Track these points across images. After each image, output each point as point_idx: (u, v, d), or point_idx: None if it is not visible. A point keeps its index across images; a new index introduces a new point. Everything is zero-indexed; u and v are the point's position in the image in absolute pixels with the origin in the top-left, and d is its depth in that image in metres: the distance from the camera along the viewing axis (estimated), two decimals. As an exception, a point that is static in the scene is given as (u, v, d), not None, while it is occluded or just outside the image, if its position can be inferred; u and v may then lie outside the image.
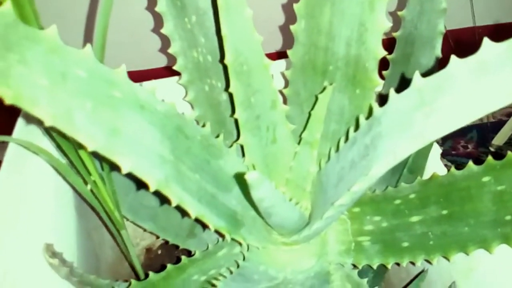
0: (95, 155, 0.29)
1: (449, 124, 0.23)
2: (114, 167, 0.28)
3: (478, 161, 0.39)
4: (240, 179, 0.30)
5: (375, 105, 0.31)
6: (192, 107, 0.49)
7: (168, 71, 0.47)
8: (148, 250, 0.67)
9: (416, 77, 0.26)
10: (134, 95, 0.30)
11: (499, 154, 0.94)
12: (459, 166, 0.40)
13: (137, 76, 0.86)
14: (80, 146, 0.35)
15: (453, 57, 0.23)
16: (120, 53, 0.79)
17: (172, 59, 0.46)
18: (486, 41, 0.22)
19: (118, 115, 0.28)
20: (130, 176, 0.28)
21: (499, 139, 0.96)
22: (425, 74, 0.25)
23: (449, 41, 0.88)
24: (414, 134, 0.25)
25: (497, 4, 0.93)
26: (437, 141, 0.69)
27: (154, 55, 0.85)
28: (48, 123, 0.23)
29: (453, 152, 0.97)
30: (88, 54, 0.27)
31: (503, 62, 0.21)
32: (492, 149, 0.96)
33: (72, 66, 0.26)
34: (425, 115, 0.25)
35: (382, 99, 0.48)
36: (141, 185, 0.46)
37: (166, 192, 0.30)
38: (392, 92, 0.28)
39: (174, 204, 0.31)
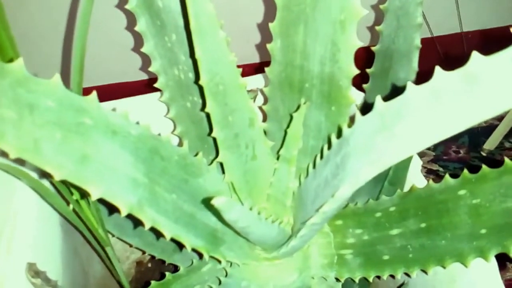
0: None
1: (407, 148, 0.24)
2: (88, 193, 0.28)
3: (470, 167, 0.39)
4: (209, 203, 0.31)
5: (345, 126, 0.31)
6: (174, 124, 0.49)
7: (152, 83, 0.48)
8: (139, 263, 0.67)
9: (378, 101, 0.26)
10: (105, 121, 0.30)
11: (490, 159, 0.95)
12: (451, 172, 0.40)
13: (121, 89, 0.87)
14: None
15: (409, 83, 0.24)
16: (102, 67, 0.79)
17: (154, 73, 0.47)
18: (437, 69, 0.22)
19: (88, 142, 0.28)
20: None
21: (490, 144, 0.96)
22: (401, 89, 0.26)
23: (437, 48, 0.89)
24: (374, 158, 0.25)
25: (484, 10, 0.93)
26: (429, 147, 0.69)
27: (139, 67, 0.85)
28: (13, 155, 0.24)
29: (444, 157, 0.97)
30: (57, 83, 0.27)
31: (453, 90, 0.21)
32: (483, 154, 0.96)
33: (40, 97, 0.26)
34: (386, 139, 0.25)
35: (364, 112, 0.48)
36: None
37: (139, 215, 0.31)
38: (358, 114, 0.29)
39: (147, 227, 0.31)
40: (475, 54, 0.21)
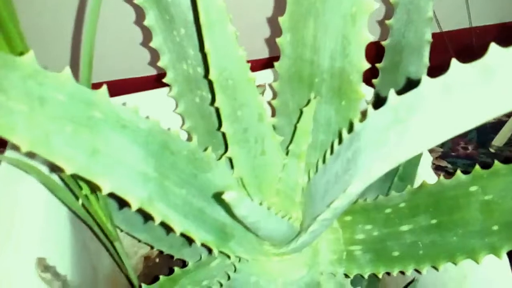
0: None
1: (421, 143, 0.24)
2: (98, 188, 0.28)
3: (479, 163, 0.39)
4: (220, 198, 0.31)
5: (356, 120, 0.31)
6: (183, 119, 0.49)
7: (161, 78, 0.48)
8: (146, 258, 0.67)
9: (391, 95, 0.26)
10: (115, 115, 0.30)
11: (499, 156, 0.94)
12: (459, 168, 0.40)
13: (130, 84, 0.86)
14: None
15: (424, 77, 0.23)
16: (110, 62, 0.79)
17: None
18: (454, 62, 0.22)
19: (98, 136, 0.28)
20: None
21: (499, 140, 0.95)
22: (414, 83, 0.25)
23: (446, 43, 0.88)
24: (387, 153, 0.25)
25: (494, 5, 0.92)
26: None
27: (147, 62, 0.85)
28: (25, 149, 0.24)
29: (453, 154, 0.96)
30: (67, 77, 0.27)
31: (469, 84, 0.21)
32: (492, 150, 0.95)
33: (51, 90, 0.26)
34: (399, 134, 0.25)
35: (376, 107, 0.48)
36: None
37: (149, 210, 0.31)
38: (370, 108, 0.29)
39: (157, 221, 0.31)
40: (493, 46, 0.20)
